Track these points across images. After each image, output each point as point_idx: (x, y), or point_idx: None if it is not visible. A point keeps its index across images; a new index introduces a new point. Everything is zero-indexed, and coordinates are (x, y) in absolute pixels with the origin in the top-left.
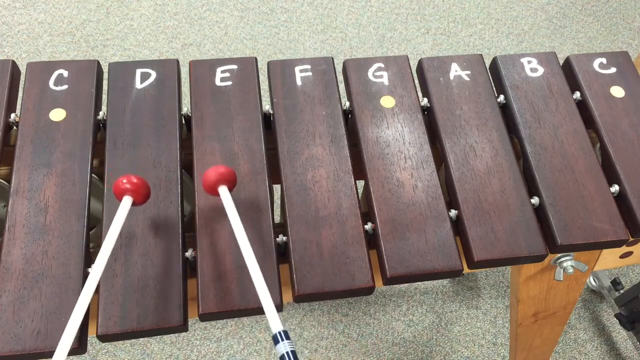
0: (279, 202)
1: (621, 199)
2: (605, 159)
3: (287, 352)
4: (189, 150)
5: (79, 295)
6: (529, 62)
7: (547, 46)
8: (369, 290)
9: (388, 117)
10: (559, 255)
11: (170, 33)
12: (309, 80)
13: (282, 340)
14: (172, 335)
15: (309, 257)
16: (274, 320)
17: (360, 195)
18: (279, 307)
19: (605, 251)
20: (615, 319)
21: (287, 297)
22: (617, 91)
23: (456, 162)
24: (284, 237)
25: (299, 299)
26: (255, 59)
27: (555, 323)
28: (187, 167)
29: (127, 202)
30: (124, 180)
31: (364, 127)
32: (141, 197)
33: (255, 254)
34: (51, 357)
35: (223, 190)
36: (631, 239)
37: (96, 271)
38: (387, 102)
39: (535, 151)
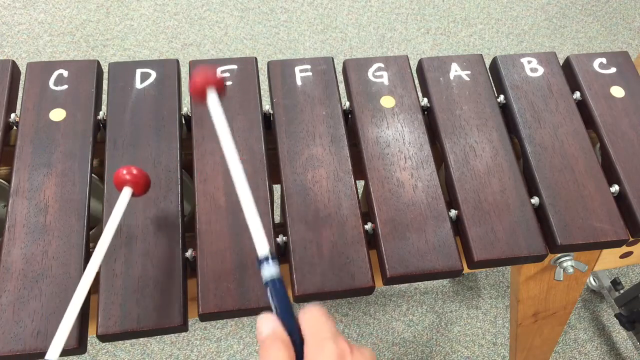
0: (279, 202)
1: (621, 199)
2: (605, 159)
3: (272, 279)
4: (189, 150)
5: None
6: (529, 62)
7: (547, 46)
8: (369, 290)
9: (388, 117)
10: (559, 255)
11: (170, 33)
12: (309, 80)
13: (267, 263)
14: (172, 335)
15: (309, 257)
16: (260, 240)
17: (360, 195)
18: None
19: (605, 251)
20: (615, 319)
21: None
22: (617, 91)
23: (456, 162)
24: (284, 237)
25: (299, 299)
26: (255, 59)
27: (555, 323)
28: (187, 167)
29: (126, 193)
30: (124, 171)
31: (364, 127)
32: (141, 188)
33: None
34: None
35: (211, 94)
36: (631, 239)
37: (95, 260)
38: (387, 102)
39: (535, 151)
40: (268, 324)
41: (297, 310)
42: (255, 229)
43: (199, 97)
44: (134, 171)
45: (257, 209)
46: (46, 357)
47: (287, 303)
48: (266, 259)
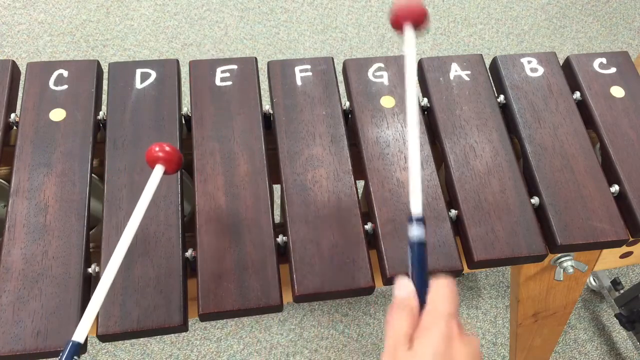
0: (279, 202)
1: (621, 199)
2: (605, 159)
3: (415, 242)
4: (189, 150)
5: (79, 295)
6: (529, 62)
7: (547, 46)
8: (369, 290)
9: (388, 117)
10: (559, 255)
11: (170, 33)
12: (309, 80)
13: (416, 225)
14: (172, 335)
15: (309, 257)
16: (416, 202)
17: (360, 195)
18: (279, 307)
19: (605, 251)
20: (615, 319)
21: (287, 297)
22: (617, 91)
23: (456, 162)
24: (284, 237)
25: (299, 299)
26: (255, 59)
27: (555, 323)
28: (187, 167)
29: (159, 170)
30: (157, 149)
31: (364, 127)
32: (173, 166)
33: (255, 254)
34: (51, 357)
35: (408, 30)
36: (631, 239)
37: (125, 239)
38: (387, 102)
39: (535, 151)
40: (405, 288)
41: (297, 312)
42: (415, 188)
43: (397, 28)
44: (167, 148)
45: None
46: (73, 338)
47: (425, 268)
48: (418, 220)
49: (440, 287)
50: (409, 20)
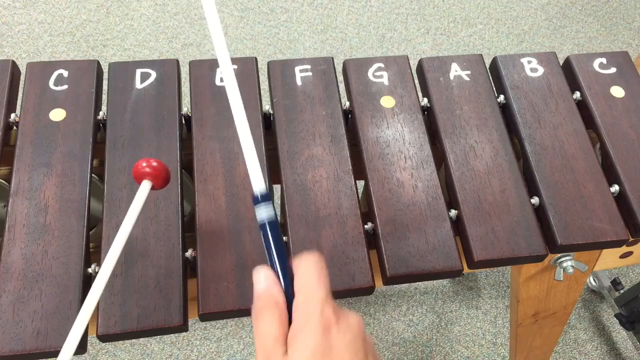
0: (279, 202)
1: (621, 199)
2: (605, 159)
3: (267, 221)
4: (189, 150)
5: (79, 295)
6: (529, 62)
7: (547, 46)
8: (369, 290)
9: (388, 117)
10: (559, 255)
11: (170, 33)
12: (309, 80)
13: (260, 203)
14: (172, 335)
15: None
16: (256, 177)
17: (360, 195)
18: None
19: (605, 251)
20: (615, 319)
21: None
22: (617, 91)
23: (456, 162)
24: (284, 237)
25: None
26: (255, 59)
27: (555, 323)
28: (187, 167)
29: (146, 186)
30: (144, 164)
31: (364, 127)
32: (161, 181)
33: (255, 254)
34: (51, 357)
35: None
36: (631, 239)
37: (112, 254)
38: (387, 102)
39: (535, 151)
40: (264, 278)
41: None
42: (253, 165)
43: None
44: (154, 163)
45: (255, 147)
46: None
47: (281, 248)
48: (262, 197)
49: (306, 268)
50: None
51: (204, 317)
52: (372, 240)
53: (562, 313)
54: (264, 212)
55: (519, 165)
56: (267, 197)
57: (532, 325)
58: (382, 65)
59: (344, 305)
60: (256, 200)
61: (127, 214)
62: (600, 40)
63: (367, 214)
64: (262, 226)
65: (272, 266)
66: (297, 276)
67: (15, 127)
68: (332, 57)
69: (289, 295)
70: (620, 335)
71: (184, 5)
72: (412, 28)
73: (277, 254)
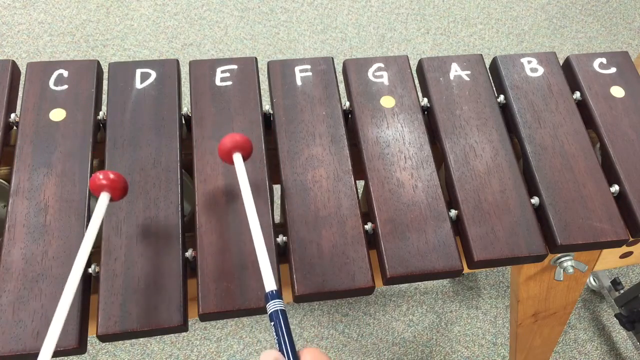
0: (279, 202)
1: (621, 199)
2: (605, 159)
3: (275, 311)
4: (189, 150)
5: (79, 295)
6: (529, 62)
7: (547, 46)
8: (369, 290)
9: (388, 117)
10: (559, 255)
11: (170, 33)
12: (309, 80)
13: (272, 299)
14: (172, 335)
15: (309, 257)
16: (268, 278)
17: (360, 195)
18: None
19: (605, 251)
20: (615, 319)
21: (287, 297)
22: (617, 91)
23: (456, 162)
24: (284, 237)
25: (299, 299)
26: (255, 59)
27: (555, 323)
28: (187, 167)
29: (104, 198)
30: (100, 176)
31: (364, 127)
32: (118, 193)
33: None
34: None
35: (237, 159)
36: (631, 239)
37: (76, 271)
38: (387, 102)
39: (535, 151)
40: (271, 355)
41: (297, 312)
42: (265, 265)
43: (226, 160)
44: (111, 176)
45: (265, 244)
46: None
47: (290, 335)
48: (272, 293)
49: (313, 351)
50: (237, 150)
51: (204, 317)
52: (372, 240)
53: (562, 313)
54: (274, 306)
55: (519, 165)
56: (279, 295)
57: (532, 325)
58: (382, 65)
59: (344, 305)
60: (267, 298)
61: (89, 228)
62: (600, 40)
63: (367, 214)
64: (275, 314)
65: (282, 350)
66: (304, 356)
67: (15, 127)
68: (332, 57)
69: None
70: (620, 335)
71: (184, 5)
72: (412, 28)
73: (287, 337)
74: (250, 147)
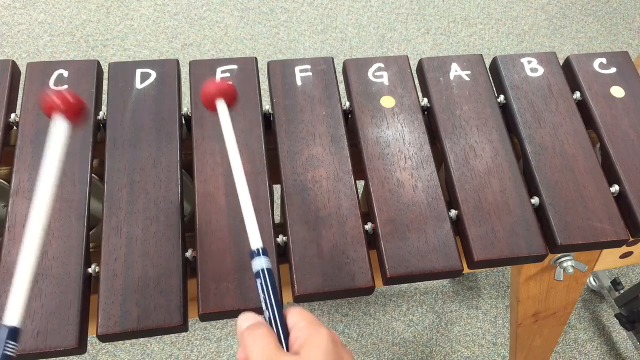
0: (279, 202)
1: (621, 199)
2: (605, 159)
3: (262, 269)
4: (189, 150)
5: (79, 295)
6: (529, 62)
7: (547, 46)
8: (369, 290)
9: (388, 117)
10: (559, 255)
11: (170, 33)
12: (309, 80)
13: (259, 255)
14: (172, 335)
15: (309, 257)
16: (254, 235)
17: (360, 195)
18: None
19: (605, 251)
20: (615, 319)
21: (287, 297)
22: (617, 91)
23: (456, 162)
24: (284, 237)
25: (299, 299)
26: (255, 59)
27: (555, 323)
28: (187, 167)
29: (60, 122)
30: (54, 97)
31: (364, 127)
32: (73, 113)
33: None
34: (51, 357)
35: (221, 105)
36: (631, 239)
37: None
38: (387, 102)
39: (535, 151)
40: (249, 317)
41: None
42: (250, 223)
43: (209, 107)
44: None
45: (254, 205)
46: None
47: (277, 295)
48: (258, 251)
49: (299, 309)
50: (221, 96)
51: (204, 317)
52: (372, 240)
53: (562, 313)
54: (259, 264)
55: (519, 165)
56: (265, 252)
57: (532, 325)
58: (382, 65)
59: (344, 305)
60: (252, 255)
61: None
62: (600, 40)
63: (367, 214)
64: (260, 272)
65: (267, 312)
66: (293, 316)
67: (15, 127)
68: (332, 57)
69: (283, 332)
70: (620, 335)
71: (184, 5)
72: (412, 28)
73: (272, 298)
74: (235, 93)
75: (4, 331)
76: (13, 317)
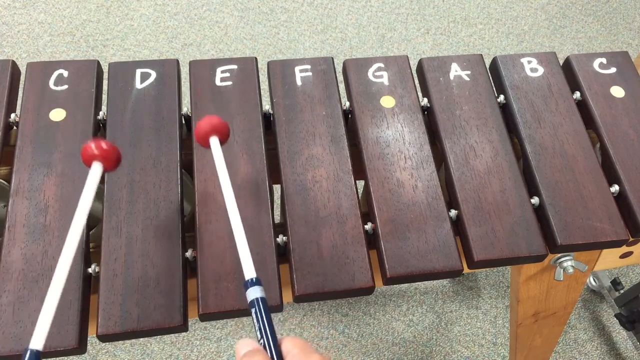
0: (279, 202)
1: (621, 199)
2: (605, 159)
3: (257, 298)
4: (189, 150)
5: (79, 295)
6: (529, 62)
7: (547, 46)
8: (369, 290)
9: (388, 117)
10: (559, 255)
11: (170, 33)
12: (309, 80)
13: (254, 285)
14: (172, 335)
15: (309, 257)
16: (247, 266)
17: (360, 195)
18: (279, 307)
19: (605, 251)
20: (615, 319)
21: (287, 297)
22: (617, 91)
23: (456, 162)
24: (284, 237)
25: (299, 299)
26: (255, 59)
27: (555, 323)
28: (187, 167)
29: (97, 168)
30: (93, 146)
31: (364, 127)
32: (111, 163)
33: (255, 254)
34: (51, 357)
35: (214, 142)
36: (631, 239)
37: (70, 246)
38: (387, 102)
39: (535, 151)
40: (247, 344)
41: (297, 312)
42: (244, 254)
43: (203, 144)
44: (104, 145)
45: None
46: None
47: (271, 323)
48: (252, 281)
49: (294, 338)
50: (214, 134)
51: (204, 317)
52: (372, 240)
53: (562, 313)
54: (254, 294)
55: (519, 165)
56: (259, 282)
57: (532, 325)
58: (382, 65)
59: (344, 305)
60: (247, 285)
61: (81, 200)
62: (600, 40)
63: (367, 214)
64: (255, 302)
65: (262, 340)
66: (286, 343)
67: (15, 127)
68: (332, 57)
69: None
70: (620, 335)
71: (184, 5)
72: (412, 28)
73: (268, 325)
74: (228, 131)
75: (32, 355)
76: (39, 341)
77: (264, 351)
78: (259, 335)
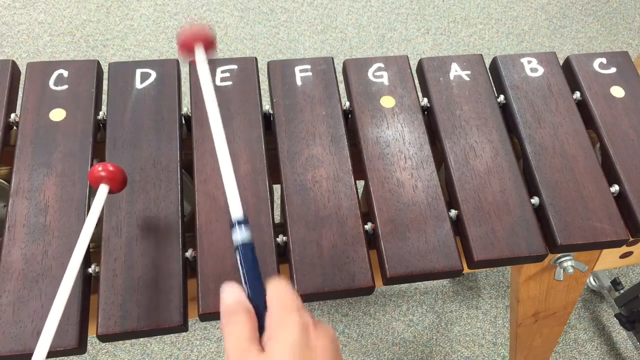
0: (279, 202)
1: (621, 199)
2: (605, 159)
3: (240, 244)
4: (189, 150)
5: (79, 295)
6: (529, 62)
7: (547, 46)
8: (369, 290)
9: (388, 117)
10: (559, 255)
11: (170, 33)
12: (309, 80)
13: (241, 227)
14: (172, 335)
15: (309, 257)
16: (234, 204)
17: (360, 195)
18: None
19: (605, 251)
20: (615, 319)
21: None
22: (617, 91)
23: (456, 162)
24: (284, 237)
25: None
26: (255, 59)
27: (555, 323)
28: (187, 167)
29: (103, 190)
30: (100, 168)
31: (364, 127)
32: (117, 185)
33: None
34: (50, 357)
35: (199, 51)
36: (631, 239)
37: (74, 264)
38: (387, 102)
39: (535, 151)
40: (232, 293)
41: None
42: (231, 192)
43: (187, 54)
44: (110, 167)
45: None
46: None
47: (256, 270)
48: (238, 223)
49: (279, 285)
50: (199, 42)
51: (204, 317)
52: (372, 240)
53: (562, 313)
54: (240, 235)
55: (519, 165)
56: (245, 221)
57: (532, 325)
58: (382, 65)
59: (344, 305)
60: (233, 225)
61: (87, 220)
62: (600, 40)
63: (367, 214)
64: (239, 247)
65: (246, 285)
66: (270, 293)
67: (15, 127)
68: (332, 57)
69: (261, 311)
70: (620, 335)
71: (184, 5)
72: (412, 28)
73: (252, 272)
74: (213, 38)
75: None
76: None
77: (245, 307)
78: (243, 284)
